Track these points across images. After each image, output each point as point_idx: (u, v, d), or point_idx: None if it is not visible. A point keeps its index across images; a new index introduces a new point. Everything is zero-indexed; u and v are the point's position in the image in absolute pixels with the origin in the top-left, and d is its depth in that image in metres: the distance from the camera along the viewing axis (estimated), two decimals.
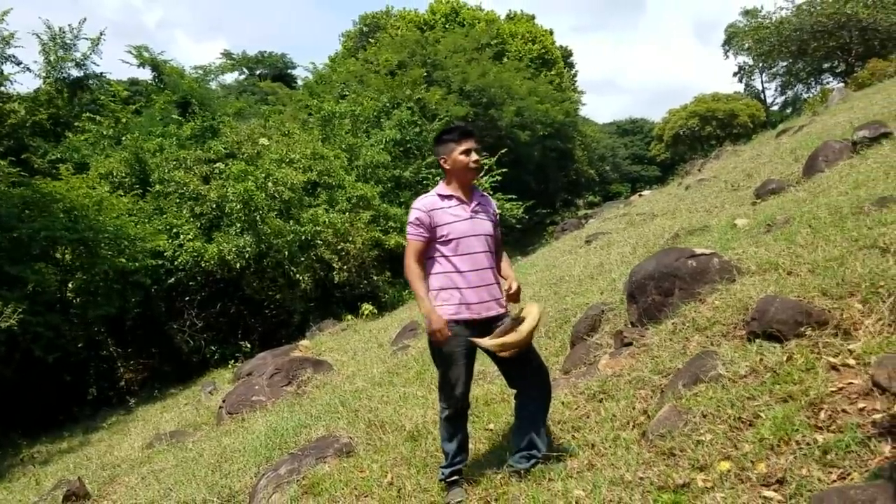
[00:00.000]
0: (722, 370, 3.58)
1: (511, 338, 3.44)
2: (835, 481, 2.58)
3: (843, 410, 2.95)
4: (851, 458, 2.65)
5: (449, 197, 3.64)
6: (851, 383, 3.12)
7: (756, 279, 4.52)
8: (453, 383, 3.63)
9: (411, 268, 3.58)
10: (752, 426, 3.09)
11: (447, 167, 3.65)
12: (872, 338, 3.40)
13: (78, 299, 12.88)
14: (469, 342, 3.56)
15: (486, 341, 3.47)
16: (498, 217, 3.85)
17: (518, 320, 3.52)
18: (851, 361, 3.29)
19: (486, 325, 3.57)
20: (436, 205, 3.60)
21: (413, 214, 3.59)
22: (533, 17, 46.94)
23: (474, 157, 3.63)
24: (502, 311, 3.67)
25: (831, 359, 3.35)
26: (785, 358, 3.47)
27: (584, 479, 3.29)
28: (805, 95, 41.33)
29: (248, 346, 14.16)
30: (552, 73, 43.16)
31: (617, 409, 3.92)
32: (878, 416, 2.83)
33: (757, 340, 3.74)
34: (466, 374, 3.67)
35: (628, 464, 3.25)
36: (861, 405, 2.95)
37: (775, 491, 2.66)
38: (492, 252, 3.70)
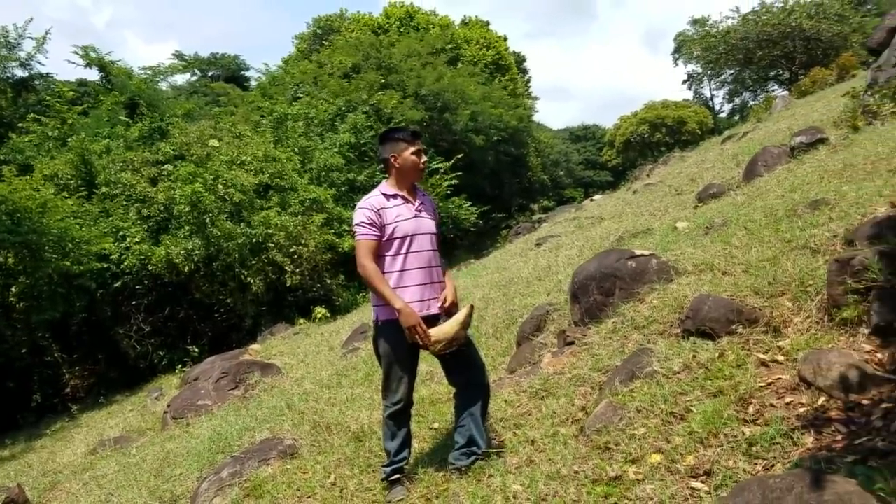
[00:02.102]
0: (657, 367, 3.67)
1: (435, 332, 3.47)
2: (759, 472, 2.66)
3: (771, 405, 3.06)
4: (776, 450, 2.75)
5: (394, 196, 3.63)
6: (780, 378, 3.23)
7: (692, 279, 4.64)
8: (397, 381, 3.63)
9: (369, 267, 3.47)
10: (684, 420, 3.18)
11: (397, 165, 3.65)
12: (801, 335, 3.53)
13: (21, 304, 12.54)
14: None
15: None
16: (439, 218, 3.89)
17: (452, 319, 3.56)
18: (780, 358, 3.41)
19: (427, 323, 3.51)
20: (382, 203, 3.58)
21: (362, 214, 3.53)
22: (487, 24, 47.11)
23: (424, 158, 3.71)
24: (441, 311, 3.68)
25: (761, 355, 3.46)
26: (717, 354, 3.58)
27: (523, 474, 3.34)
28: (752, 103, 42.29)
29: (197, 350, 13.85)
30: (506, 78, 43.27)
31: (557, 406, 3.99)
32: (802, 410, 2.95)
33: (691, 338, 3.84)
34: (410, 373, 3.68)
35: (565, 458, 3.31)
36: (788, 399, 3.06)
37: (703, 482, 2.74)
38: (436, 250, 3.72)
